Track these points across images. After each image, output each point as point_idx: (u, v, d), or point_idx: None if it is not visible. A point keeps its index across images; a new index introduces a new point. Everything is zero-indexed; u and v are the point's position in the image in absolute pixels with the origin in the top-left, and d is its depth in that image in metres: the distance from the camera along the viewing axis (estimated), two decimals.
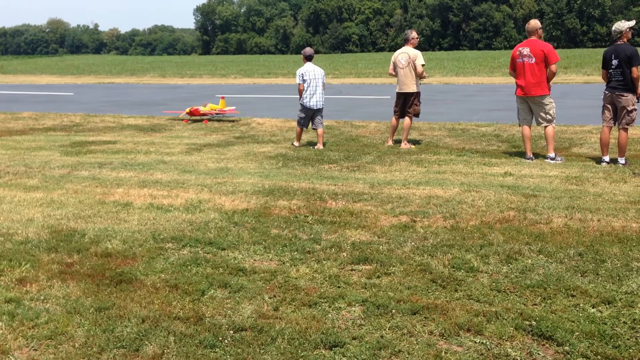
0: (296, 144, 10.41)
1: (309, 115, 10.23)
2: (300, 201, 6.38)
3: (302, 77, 10.08)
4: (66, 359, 3.20)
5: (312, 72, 10.07)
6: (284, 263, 4.62)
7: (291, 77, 32.08)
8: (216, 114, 14.23)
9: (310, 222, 5.66)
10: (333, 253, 4.79)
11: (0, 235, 5.31)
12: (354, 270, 4.47)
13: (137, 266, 4.53)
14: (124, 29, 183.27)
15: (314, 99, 10.09)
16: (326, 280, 4.25)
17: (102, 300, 3.91)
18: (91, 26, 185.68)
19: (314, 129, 10.41)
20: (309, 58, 10.22)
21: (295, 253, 4.80)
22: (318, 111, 10.21)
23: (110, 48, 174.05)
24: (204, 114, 14.08)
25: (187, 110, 13.95)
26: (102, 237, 5.22)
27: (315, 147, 10.12)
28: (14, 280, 4.28)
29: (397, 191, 6.77)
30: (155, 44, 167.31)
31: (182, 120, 14.11)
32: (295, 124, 11.25)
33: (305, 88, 10.07)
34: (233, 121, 13.94)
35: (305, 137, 11.00)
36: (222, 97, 14.84)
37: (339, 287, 4.14)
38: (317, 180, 7.45)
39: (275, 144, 10.60)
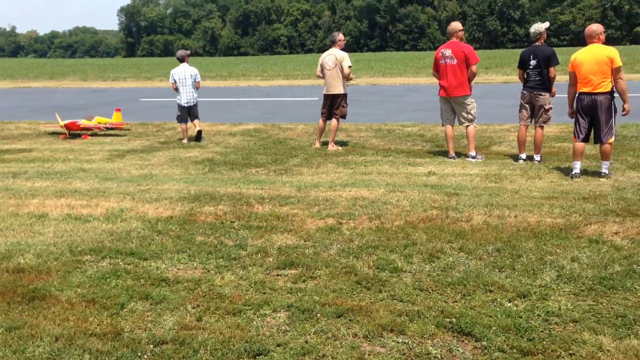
0: (185, 141, 11.14)
1: (185, 113, 11.24)
2: (226, 206, 6.29)
3: (173, 77, 11.23)
4: None
5: (181, 73, 11.12)
6: (208, 271, 4.53)
7: (218, 80, 31.73)
8: (106, 128, 12.48)
9: (237, 227, 5.59)
10: (259, 258, 4.75)
11: None
12: (280, 275, 4.44)
13: (51, 281, 4.33)
14: (42, 30, 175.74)
15: (185, 97, 11.13)
16: (251, 287, 4.20)
17: (13, 319, 3.70)
18: (8, 29, 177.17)
19: (192, 121, 11.35)
20: (180, 60, 11.32)
21: (221, 260, 4.73)
22: (192, 108, 11.28)
23: (27, 51, 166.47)
24: (85, 128, 12.19)
25: (62, 123, 11.95)
26: (14, 252, 4.95)
27: (195, 138, 11.18)
28: None
29: (324, 193, 6.79)
30: (77, 46, 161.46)
31: (60, 135, 12.12)
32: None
33: (178, 87, 11.14)
34: (119, 136, 12.13)
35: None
36: (118, 110, 13.23)
37: (264, 293, 4.10)
38: (244, 185, 7.38)
39: (202, 149, 10.43)
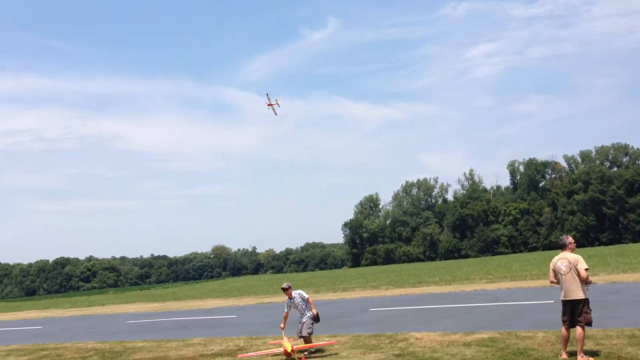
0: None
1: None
2: None
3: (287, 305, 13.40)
4: None
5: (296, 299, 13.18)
6: None
7: (443, 285, 31.59)
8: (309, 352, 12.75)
9: None
10: None
11: None
12: None
13: None
14: (278, 249, 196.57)
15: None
16: None
17: None
18: (249, 249, 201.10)
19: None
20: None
21: None
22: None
23: (266, 268, 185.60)
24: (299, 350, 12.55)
25: (287, 347, 12.08)
26: None
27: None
28: None
29: None
30: (308, 260, 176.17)
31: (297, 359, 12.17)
32: None
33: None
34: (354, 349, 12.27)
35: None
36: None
37: None
38: None
39: None
